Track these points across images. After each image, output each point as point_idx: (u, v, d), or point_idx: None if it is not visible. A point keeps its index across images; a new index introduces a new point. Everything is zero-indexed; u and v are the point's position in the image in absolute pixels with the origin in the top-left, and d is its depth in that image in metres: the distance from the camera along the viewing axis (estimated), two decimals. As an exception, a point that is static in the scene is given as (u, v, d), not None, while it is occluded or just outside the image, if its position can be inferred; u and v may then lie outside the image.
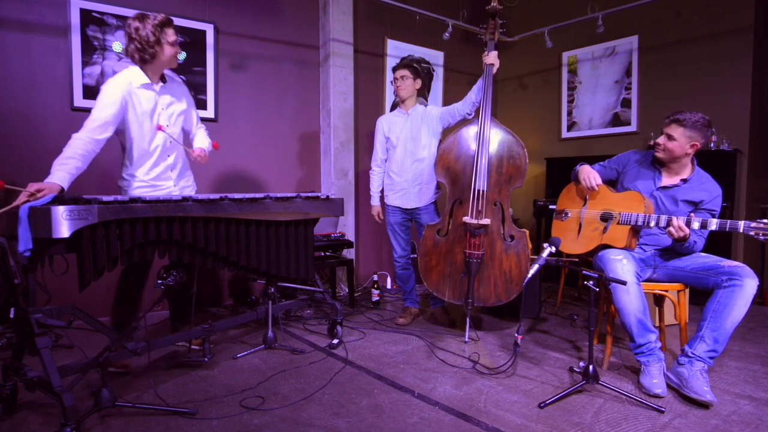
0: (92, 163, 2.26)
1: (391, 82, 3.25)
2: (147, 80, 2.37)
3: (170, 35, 2.35)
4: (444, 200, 3.03)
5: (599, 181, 2.55)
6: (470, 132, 2.88)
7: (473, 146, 2.85)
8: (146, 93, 2.39)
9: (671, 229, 2.23)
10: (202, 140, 2.75)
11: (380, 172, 3.32)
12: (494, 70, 2.90)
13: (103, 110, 2.26)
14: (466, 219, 2.77)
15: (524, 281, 2.67)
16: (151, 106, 2.40)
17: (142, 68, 2.36)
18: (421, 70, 3.23)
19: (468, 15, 4.49)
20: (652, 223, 2.30)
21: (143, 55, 2.31)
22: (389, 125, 3.24)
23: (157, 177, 2.49)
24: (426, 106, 3.25)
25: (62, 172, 2.05)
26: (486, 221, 2.75)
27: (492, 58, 2.89)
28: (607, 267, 2.27)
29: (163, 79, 2.48)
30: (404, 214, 3.26)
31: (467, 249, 2.79)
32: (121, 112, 2.31)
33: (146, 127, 2.41)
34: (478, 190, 2.78)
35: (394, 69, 3.21)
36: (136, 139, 2.40)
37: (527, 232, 2.83)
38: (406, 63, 3.20)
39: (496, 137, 2.82)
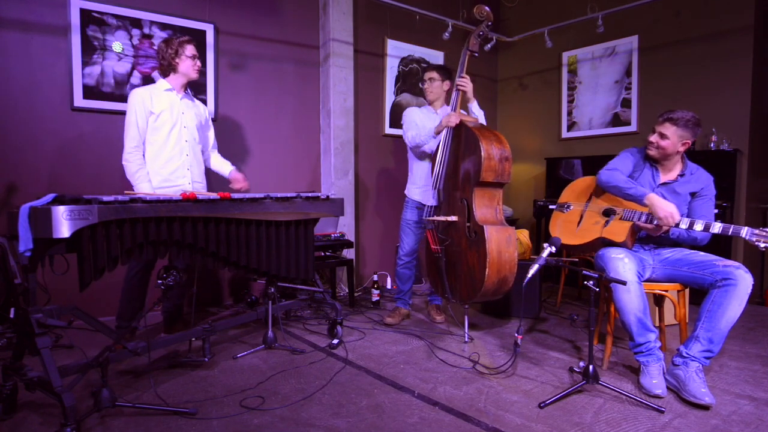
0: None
1: (420, 83, 3.33)
2: (169, 86, 2.77)
3: (191, 50, 2.79)
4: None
5: (678, 217, 2.26)
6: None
7: (438, 150, 3.00)
8: (169, 95, 2.76)
9: (648, 226, 2.34)
10: (222, 162, 3.13)
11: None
12: (468, 95, 2.98)
13: (134, 128, 2.67)
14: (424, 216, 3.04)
15: (485, 280, 2.67)
16: (169, 105, 2.73)
17: (165, 78, 2.80)
18: (453, 72, 3.26)
19: (468, 15, 4.49)
20: (655, 222, 2.31)
21: (166, 68, 2.77)
22: (420, 118, 3.25)
23: (173, 172, 2.75)
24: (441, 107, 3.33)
25: (148, 183, 2.65)
26: (432, 218, 2.94)
27: (462, 83, 2.95)
28: (609, 265, 2.27)
29: (185, 91, 2.86)
30: (421, 213, 3.28)
31: (430, 244, 2.96)
32: (147, 119, 2.69)
33: (165, 124, 2.72)
34: (437, 190, 2.98)
35: (425, 70, 3.27)
36: (155, 135, 2.72)
37: (500, 228, 2.74)
38: (435, 66, 3.28)
39: (459, 137, 2.90)
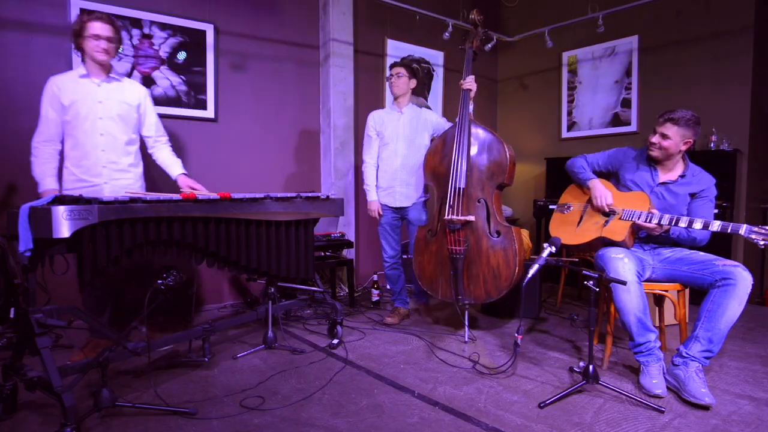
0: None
1: (387, 78, 3.28)
2: (84, 71, 2.47)
3: (93, 28, 2.37)
4: (433, 202, 3.07)
5: (611, 201, 2.51)
6: (453, 134, 2.94)
7: (454, 148, 2.90)
8: (84, 82, 2.47)
9: (648, 225, 2.35)
10: (171, 160, 2.76)
11: (372, 165, 3.31)
12: (472, 94, 2.93)
13: (44, 122, 2.46)
14: (445, 216, 2.84)
15: (513, 278, 2.69)
16: (83, 95, 2.45)
17: (83, 63, 2.49)
18: (419, 71, 3.25)
19: (468, 15, 4.48)
20: (654, 221, 2.32)
21: (75, 47, 2.45)
22: (381, 121, 3.26)
23: (86, 171, 2.50)
24: (421, 107, 3.30)
25: (52, 177, 2.44)
26: (461, 218, 2.79)
27: (469, 83, 2.92)
28: (608, 265, 2.27)
29: (108, 73, 2.55)
30: (394, 213, 3.29)
31: (449, 245, 2.83)
32: (59, 112, 2.44)
33: (77, 116, 2.45)
34: (457, 188, 2.84)
35: (392, 66, 3.23)
36: (68, 129, 2.49)
37: (517, 229, 2.80)
38: (405, 62, 3.23)
39: (476, 137, 2.88)
